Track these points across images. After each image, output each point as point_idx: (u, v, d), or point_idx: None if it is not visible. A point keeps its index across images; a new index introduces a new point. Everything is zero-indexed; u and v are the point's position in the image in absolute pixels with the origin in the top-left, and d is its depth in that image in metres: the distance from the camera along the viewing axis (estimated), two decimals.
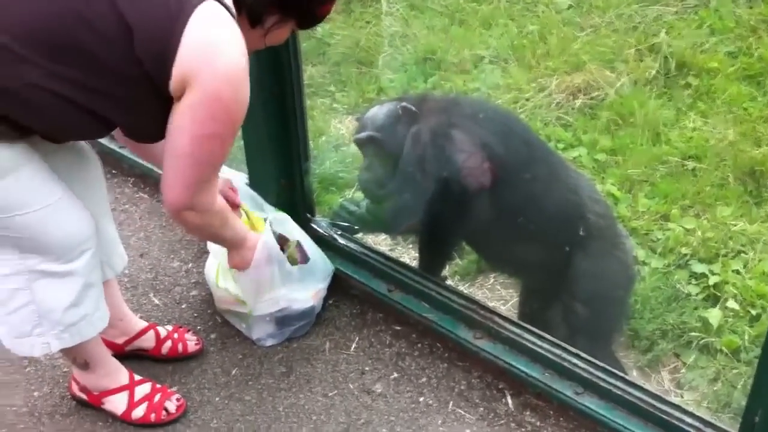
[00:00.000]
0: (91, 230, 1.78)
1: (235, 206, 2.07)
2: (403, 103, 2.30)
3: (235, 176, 2.51)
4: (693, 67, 3.96)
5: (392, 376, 2.15)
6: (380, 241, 3.37)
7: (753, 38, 4.06)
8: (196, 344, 2.23)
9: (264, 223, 2.15)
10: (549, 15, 4.45)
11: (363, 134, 2.33)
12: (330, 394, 2.11)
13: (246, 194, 2.32)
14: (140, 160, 2.83)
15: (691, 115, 3.73)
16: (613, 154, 3.61)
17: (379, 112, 2.35)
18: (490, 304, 2.92)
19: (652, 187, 3.39)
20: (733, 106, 3.73)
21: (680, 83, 3.91)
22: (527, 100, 3.99)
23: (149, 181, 2.84)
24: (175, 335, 2.22)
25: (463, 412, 2.05)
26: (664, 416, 1.89)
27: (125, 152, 2.84)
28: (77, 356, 1.95)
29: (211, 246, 2.28)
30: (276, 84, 2.23)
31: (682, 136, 3.62)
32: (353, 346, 2.24)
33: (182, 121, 1.57)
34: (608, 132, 3.72)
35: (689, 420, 1.88)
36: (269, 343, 2.24)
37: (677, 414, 1.89)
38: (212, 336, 2.28)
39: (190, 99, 1.54)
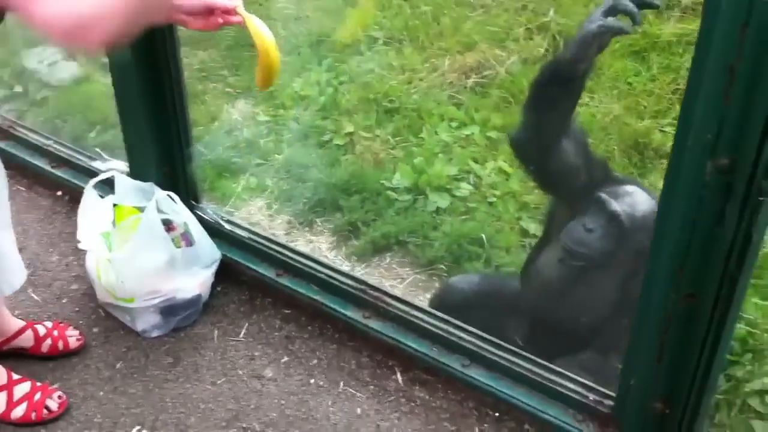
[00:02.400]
0: None
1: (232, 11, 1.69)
2: None
3: (115, 166, 2.45)
4: None
5: (282, 360, 2.14)
6: (275, 225, 3.35)
7: None
8: (77, 340, 2.16)
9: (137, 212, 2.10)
10: None
11: None
12: (219, 381, 2.08)
13: (130, 186, 2.27)
14: (16, 152, 2.73)
15: None
16: (504, 132, 3.66)
17: None
18: (387, 284, 2.96)
19: None
20: (618, 82, 3.83)
21: None
22: (421, 80, 4.02)
23: (27, 173, 2.74)
24: (55, 332, 2.15)
25: (353, 391, 2.05)
26: (547, 383, 1.94)
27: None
28: None
29: (87, 240, 2.20)
30: (152, 71, 2.17)
31: None
32: (242, 333, 2.22)
33: None
34: (499, 110, 3.78)
35: (572, 386, 1.93)
36: (155, 334, 2.19)
37: (560, 380, 1.94)
38: (95, 330, 2.22)
39: None
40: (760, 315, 2.65)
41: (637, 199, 2.14)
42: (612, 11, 1.91)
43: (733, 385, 2.52)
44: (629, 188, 2.18)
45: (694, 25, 3.84)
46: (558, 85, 2.07)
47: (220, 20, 1.68)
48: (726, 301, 1.53)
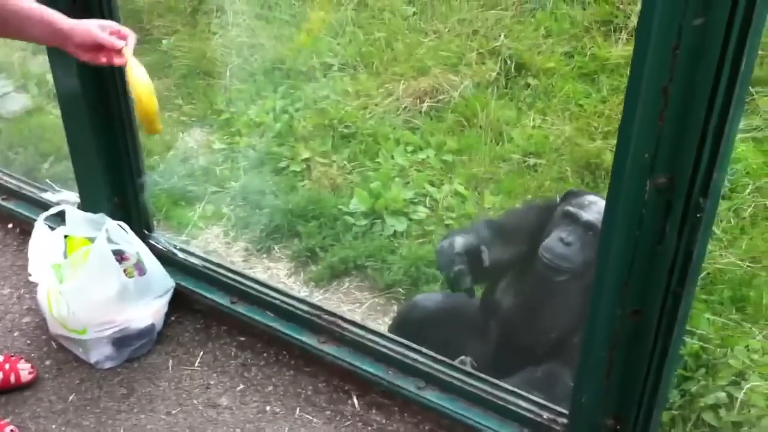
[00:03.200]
0: None
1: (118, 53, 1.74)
2: None
3: (66, 197, 2.43)
4: (531, 68, 4.13)
5: (238, 388, 2.13)
6: (232, 253, 3.34)
7: (587, 38, 4.27)
8: (29, 373, 2.13)
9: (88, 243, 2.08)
10: (395, 22, 4.53)
11: None
12: (173, 411, 2.06)
13: (81, 218, 2.25)
14: None
15: (530, 113, 3.88)
16: (459, 155, 3.71)
17: None
18: (346, 308, 2.97)
19: (496, 184, 3.51)
20: (569, 104, 3.91)
21: (520, 84, 4.07)
22: (376, 105, 4.05)
23: None
24: (7, 365, 2.12)
25: (310, 417, 2.05)
26: (502, 403, 1.96)
27: None
28: None
29: (38, 273, 2.17)
30: (100, 101, 2.17)
31: (523, 134, 3.76)
32: (197, 361, 2.20)
33: None
34: (454, 133, 3.83)
35: (525, 404, 1.95)
36: (108, 365, 2.17)
37: (513, 399, 1.96)
38: (47, 362, 2.19)
39: None
40: (713, 330, 2.70)
41: (602, 207, 2.22)
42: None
43: (687, 400, 2.56)
44: (591, 198, 2.26)
45: None
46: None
47: (104, 59, 1.73)
48: (671, 317, 1.56)
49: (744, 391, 2.51)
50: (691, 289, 1.55)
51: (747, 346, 2.67)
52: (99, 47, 1.71)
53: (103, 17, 2.12)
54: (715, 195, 1.45)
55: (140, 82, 1.71)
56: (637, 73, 1.39)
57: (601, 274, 1.61)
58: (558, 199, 2.36)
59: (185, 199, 3.61)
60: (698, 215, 1.44)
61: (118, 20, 2.17)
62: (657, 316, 1.57)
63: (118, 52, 1.72)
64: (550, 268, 2.25)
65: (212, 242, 3.46)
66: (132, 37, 1.77)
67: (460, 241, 2.29)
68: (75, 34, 1.68)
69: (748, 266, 2.92)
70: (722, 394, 2.55)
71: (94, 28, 1.69)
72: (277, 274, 3.30)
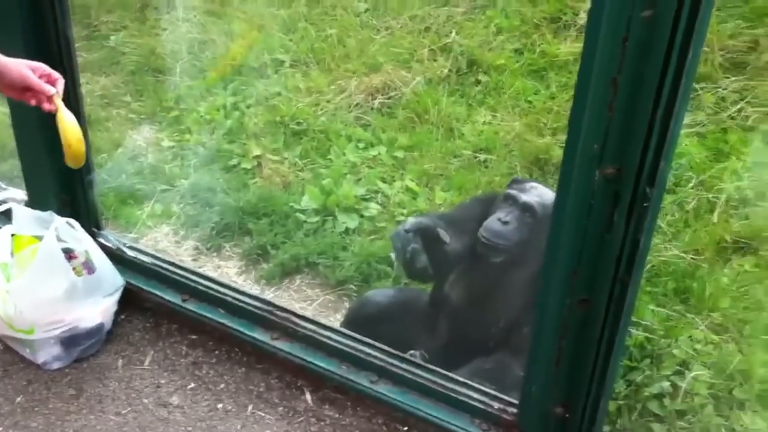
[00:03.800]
0: None
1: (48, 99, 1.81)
2: None
3: (13, 195, 2.38)
4: (482, 65, 4.16)
5: (189, 387, 2.11)
6: (182, 252, 3.30)
7: (536, 35, 4.31)
8: None
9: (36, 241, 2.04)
10: (347, 18, 4.52)
11: None
12: (123, 411, 2.03)
13: (28, 215, 2.20)
14: None
15: (481, 110, 3.91)
16: (410, 151, 3.72)
17: None
18: (297, 306, 2.95)
19: (447, 180, 3.53)
20: (519, 100, 3.94)
21: (471, 80, 4.09)
22: (328, 102, 4.04)
23: None
24: None
25: (262, 414, 2.03)
26: (453, 394, 1.97)
27: None
28: None
29: None
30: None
31: (474, 131, 3.78)
32: (147, 360, 2.17)
33: None
34: (405, 130, 3.83)
35: (476, 395, 1.97)
36: (56, 365, 2.13)
37: (465, 391, 1.97)
38: None
39: None
40: (657, 321, 2.76)
41: (542, 192, 2.28)
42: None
43: (632, 390, 2.61)
44: (533, 183, 2.32)
45: None
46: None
47: (34, 101, 1.79)
48: (618, 305, 1.59)
49: (687, 380, 2.57)
50: (638, 278, 1.58)
51: (690, 337, 2.73)
52: (27, 88, 1.76)
53: (54, 14, 2.09)
54: (661, 185, 1.48)
55: (70, 128, 1.79)
56: (587, 64, 1.41)
57: (551, 263, 1.64)
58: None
59: (134, 197, 3.56)
60: (645, 204, 1.47)
61: (69, 18, 2.14)
62: (605, 305, 1.60)
63: (49, 98, 1.78)
64: (487, 247, 2.30)
65: (161, 241, 3.42)
66: (61, 81, 1.83)
67: (411, 221, 2.32)
68: (4, 74, 1.73)
69: (691, 258, 2.98)
70: (666, 384, 2.61)
71: (25, 69, 1.75)
72: (227, 272, 3.27)
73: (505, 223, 2.28)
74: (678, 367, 2.58)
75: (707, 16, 1.34)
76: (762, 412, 2.41)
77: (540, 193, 2.33)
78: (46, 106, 1.79)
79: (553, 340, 1.68)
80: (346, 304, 3.10)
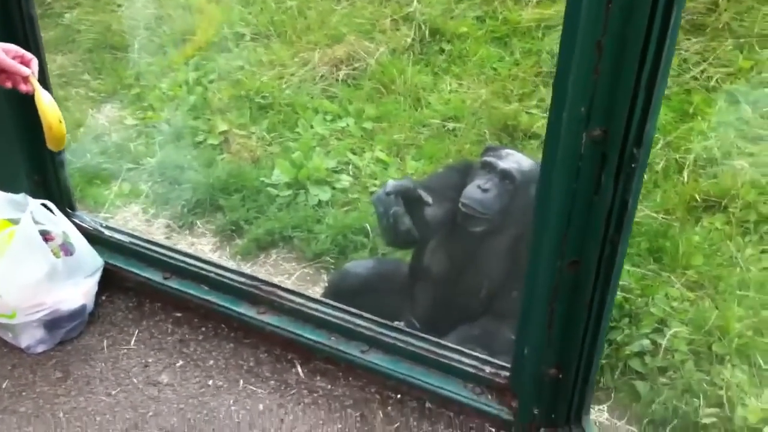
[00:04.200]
0: None
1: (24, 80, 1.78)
2: None
3: None
4: (445, 33, 4.16)
5: (178, 364, 2.09)
6: (153, 231, 3.27)
7: (498, 2, 4.33)
8: None
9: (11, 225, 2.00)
10: None
11: None
12: (113, 392, 2.01)
13: (2, 199, 2.15)
14: None
15: (447, 78, 3.92)
16: (379, 122, 3.72)
17: None
18: (275, 280, 2.95)
19: (417, 150, 3.54)
20: (484, 68, 3.96)
21: (435, 49, 4.10)
22: (292, 75, 4.01)
23: None
24: None
25: (254, 388, 2.03)
26: (444, 360, 1.98)
27: None
28: None
29: None
30: None
31: (441, 99, 3.80)
32: (133, 340, 2.15)
33: None
34: (373, 101, 3.83)
35: (468, 360, 1.99)
36: (40, 349, 2.10)
37: (456, 356, 1.99)
38: None
39: None
40: (633, 281, 2.82)
41: (518, 158, 2.29)
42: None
43: (614, 349, 2.67)
44: (508, 151, 2.33)
45: (551, 10, 4.03)
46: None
47: (9, 84, 1.76)
48: (608, 265, 1.62)
49: (667, 337, 2.63)
50: (626, 237, 1.61)
51: (666, 295, 2.80)
52: (3, 70, 1.73)
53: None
54: (647, 145, 1.50)
55: (49, 109, 1.76)
56: (571, 28, 1.42)
57: (540, 227, 1.65)
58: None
59: (100, 177, 3.51)
60: (633, 165, 1.49)
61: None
62: (595, 265, 1.62)
63: (24, 79, 1.75)
64: (467, 216, 2.31)
65: (131, 220, 3.39)
66: (35, 61, 1.79)
67: (392, 183, 2.32)
68: None
69: (662, 218, 3.05)
70: (646, 342, 2.67)
71: None
72: (201, 249, 3.26)
73: (485, 190, 2.29)
74: (657, 325, 2.65)
75: None
76: (741, 366, 2.49)
77: (517, 160, 2.34)
78: (23, 87, 1.75)
79: (544, 302, 1.70)
80: (324, 277, 3.11)
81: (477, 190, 2.30)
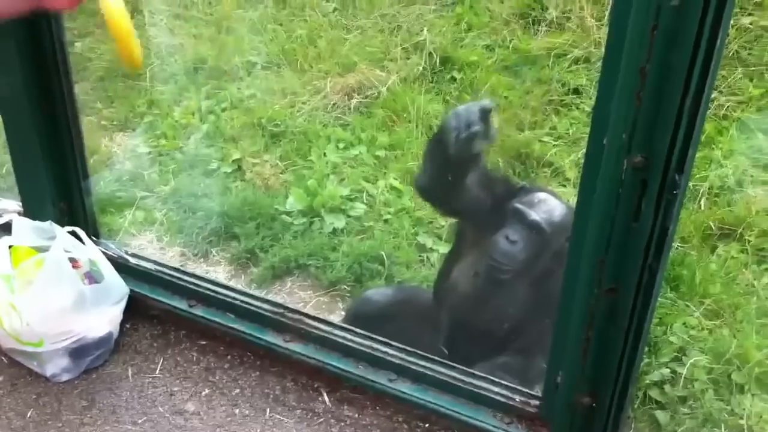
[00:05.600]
0: None
1: None
2: None
3: (5, 206, 2.33)
4: (456, 62, 4.19)
5: (204, 393, 2.07)
6: (168, 259, 3.25)
7: (506, 31, 4.36)
8: None
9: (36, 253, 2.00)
10: (316, 18, 4.51)
11: None
12: (139, 421, 1.99)
13: (27, 226, 2.15)
14: None
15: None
16: (391, 150, 3.73)
17: None
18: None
19: None
20: (494, 96, 3.98)
21: (446, 77, 4.12)
22: (304, 103, 4.03)
23: None
24: None
25: (281, 417, 2.01)
26: (473, 389, 1.97)
27: None
28: None
29: None
30: (44, 99, 2.07)
31: None
32: (158, 368, 2.13)
33: None
34: (385, 128, 3.84)
35: (496, 389, 1.97)
36: (65, 377, 2.07)
37: (485, 385, 1.97)
38: (0, 379, 2.08)
39: None
40: None
41: (551, 205, 2.26)
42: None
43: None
44: (541, 195, 2.29)
45: (561, 39, 4.06)
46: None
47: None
48: (646, 293, 1.61)
49: (687, 366, 2.62)
50: (665, 264, 1.61)
51: (685, 323, 2.79)
52: None
53: (48, 19, 2.04)
54: (688, 172, 1.50)
55: (111, 5, 1.30)
56: (614, 54, 1.43)
57: (577, 253, 1.65)
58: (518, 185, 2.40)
59: (113, 205, 3.50)
60: (674, 192, 1.49)
61: (62, 22, 2.09)
62: (633, 293, 1.62)
63: None
64: (492, 267, 2.29)
65: (146, 248, 3.37)
66: None
67: (476, 105, 2.12)
68: None
69: (679, 246, 3.05)
70: (666, 371, 2.66)
71: None
72: (217, 278, 3.23)
73: (513, 242, 2.26)
74: (676, 354, 2.64)
75: (732, 4, 1.37)
76: (761, 395, 2.48)
77: (549, 208, 2.29)
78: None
79: (580, 329, 1.70)
80: (340, 305, 3.10)
81: (505, 242, 2.27)
